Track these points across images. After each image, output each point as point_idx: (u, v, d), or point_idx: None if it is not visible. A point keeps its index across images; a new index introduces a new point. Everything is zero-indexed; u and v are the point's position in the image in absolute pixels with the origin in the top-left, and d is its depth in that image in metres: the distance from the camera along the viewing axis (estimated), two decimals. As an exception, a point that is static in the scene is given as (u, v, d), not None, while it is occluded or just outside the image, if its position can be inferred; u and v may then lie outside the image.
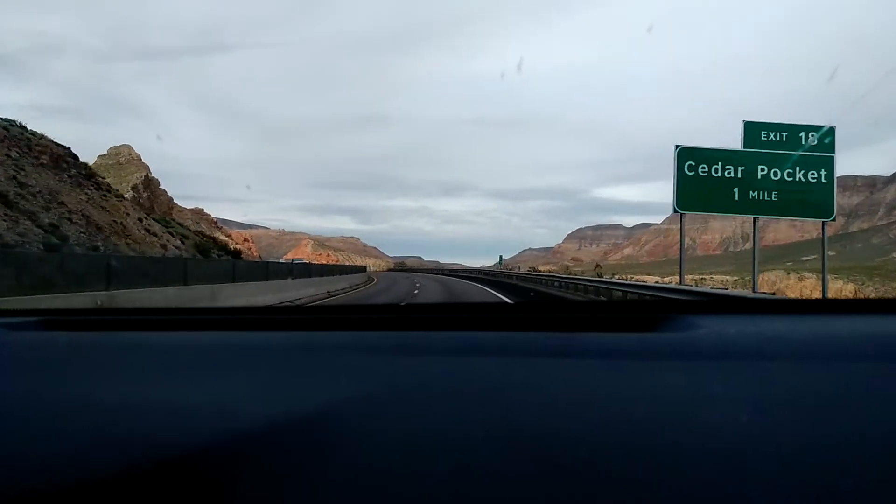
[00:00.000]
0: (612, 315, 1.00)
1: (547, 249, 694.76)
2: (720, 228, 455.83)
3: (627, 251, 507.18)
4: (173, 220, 53.32)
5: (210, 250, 43.49)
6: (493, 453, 0.52)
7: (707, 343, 0.78)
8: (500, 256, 57.38)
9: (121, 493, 0.51)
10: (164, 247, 36.29)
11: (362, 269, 57.97)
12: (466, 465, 0.50)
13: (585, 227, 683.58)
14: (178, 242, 40.75)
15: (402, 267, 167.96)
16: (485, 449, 0.53)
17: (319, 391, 0.69)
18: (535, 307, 1.10)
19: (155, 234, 37.80)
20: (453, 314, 1.13)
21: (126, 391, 0.74)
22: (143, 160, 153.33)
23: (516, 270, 43.36)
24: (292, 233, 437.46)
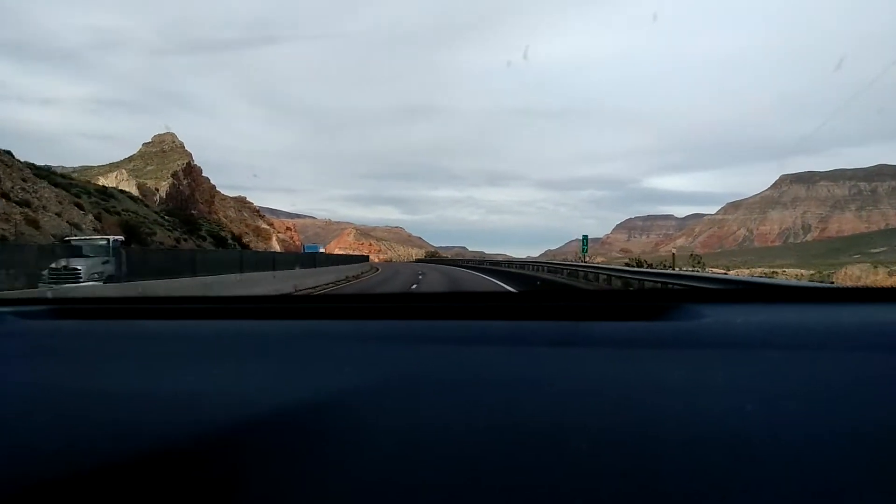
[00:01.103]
0: (618, 304, 1.00)
1: (595, 240, 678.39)
2: (779, 219, 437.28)
3: (680, 242, 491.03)
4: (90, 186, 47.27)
5: (141, 230, 37.21)
6: (498, 443, 0.52)
7: (713, 332, 0.78)
8: (585, 238, 33.83)
9: (130, 480, 0.52)
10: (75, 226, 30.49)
11: (365, 258, 63.28)
12: (472, 455, 0.50)
13: (635, 218, 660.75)
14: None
15: (432, 257, 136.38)
16: (490, 438, 0.53)
17: (324, 380, 0.69)
18: (540, 296, 1.10)
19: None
20: (457, 303, 1.13)
21: (134, 379, 0.75)
22: (186, 148, 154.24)
23: (586, 262, 29.93)
24: (338, 222, 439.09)
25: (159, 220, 44.98)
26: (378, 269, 48.05)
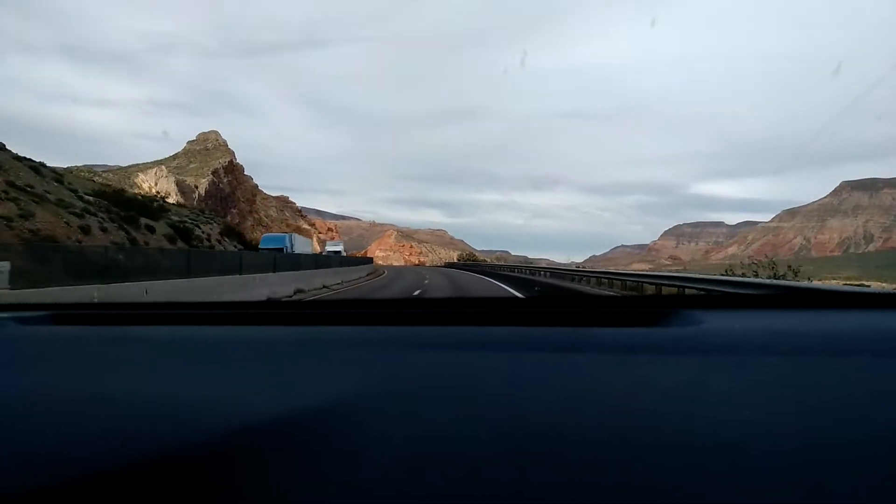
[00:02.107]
0: (618, 309, 1.00)
1: (641, 247, 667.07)
2: (839, 228, 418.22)
3: (732, 250, 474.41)
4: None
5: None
6: (500, 449, 0.52)
7: (712, 338, 0.78)
8: None
9: (127, 487, 0.52)
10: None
11: (369, 260, 63.66)
12: (474, 462, 0.50)
13: (684, 224, 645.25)
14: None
15: (469, 260, 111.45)
16: (491, 445, 0.53)
17: (324, 387, 0.69)
18: (540, 302, 1.09)
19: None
20: (459, 309, 1.13)
21: (133, 386, 0.75)
22: (228, 146, 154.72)
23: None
24: (381, 224, 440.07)
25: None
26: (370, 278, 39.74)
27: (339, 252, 47.26)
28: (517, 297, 1.09)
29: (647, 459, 0.49)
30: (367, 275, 40.14)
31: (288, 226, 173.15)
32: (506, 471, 0.49)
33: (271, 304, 2.31)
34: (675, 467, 0.48)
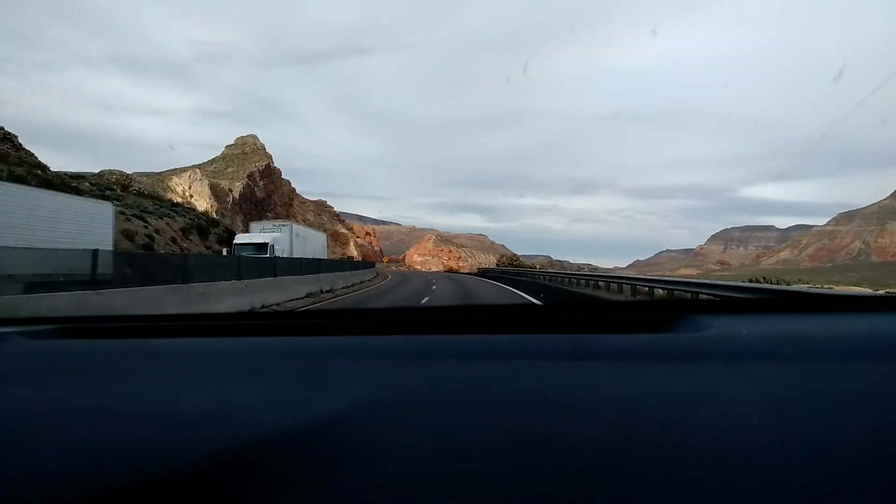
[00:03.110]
0: (623, 316, 0.99)
1: (687, 251, 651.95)
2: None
3: (784, 255, 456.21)
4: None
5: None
6: (506, 458, 0.52)
7: (717, 344, 0.77)
8: None
9: (134, 501, 0.51)
10: None
11: (371, 264, 57.73)
12: (480, 471, 0.50)
13: (732, 228, 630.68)
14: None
15: (510, 264, 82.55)
16: (498, 455, 0.52)
17: (330, 398, 0.69)
18: (544, 309, 1.09)
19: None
20: (462, 317, 1.12)
21: (140, 399, 0.75)
22: (266, 150, 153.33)
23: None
24: (421, 229, 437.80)
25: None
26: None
27: (268, 250, 25.38)
28: (522, 305, 1.27)
29: (655, 467, 0.48)
30: (353, 285, 29.32)
31: (325, 230, 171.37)
32: (513, 480, 0.49)
33: (276, 314, 2.28)
34: (683, 474, 0.47)
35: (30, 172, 31.30)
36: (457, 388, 0.69)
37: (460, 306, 1.16)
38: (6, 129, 43.28)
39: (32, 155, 46.26)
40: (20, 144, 44.36)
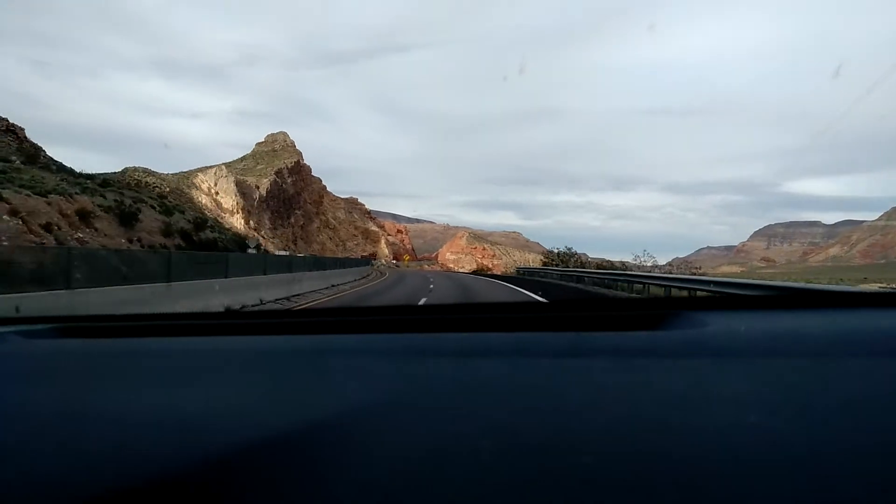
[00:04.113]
0: (621, 313, 0.99)
1: (728, 248, 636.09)
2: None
3: (833, 251, 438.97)
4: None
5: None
6: (504, 456, 0.52)
7: (716, 341, 0.77)
8: None
9: (133, 501, 0.51)
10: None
11: (367, 261, 55.75)
12: (478, 469, 0.50)
13: (776, 224, 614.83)
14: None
15: (566, 268, 41.36)
16: (496, 452, 0.52)
17: (329, 395, 0.69)
18: (542, 307, 1.10)
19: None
20: (460, 315, 1.12)
21: (138, 398, 0.75)
22: (296, 147, 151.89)
23: None
24: (455, 227, 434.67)
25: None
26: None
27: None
28: (521, 302, 1.26)
29: (654, 464, 0.48)
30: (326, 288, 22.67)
31: (356, 228, 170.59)
32: (513, 478, 0.49)
33: (275, 313, 2.30)
34: (681, 472, 0.47)
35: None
36: (456, 386, 0.70)
37: (459, 304, 1.09)
38: (9, 120, 41.75)
39: (41, 148, 44.64)
40: (25, 137, 42.75)
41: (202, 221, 48.08)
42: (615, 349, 0.76)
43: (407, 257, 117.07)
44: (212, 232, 46.30)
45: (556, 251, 48.21)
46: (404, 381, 0.73)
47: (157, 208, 42.77)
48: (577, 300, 1.24)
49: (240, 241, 46.11)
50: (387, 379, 0.73)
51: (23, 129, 43.18)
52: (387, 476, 0.51)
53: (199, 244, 40.43)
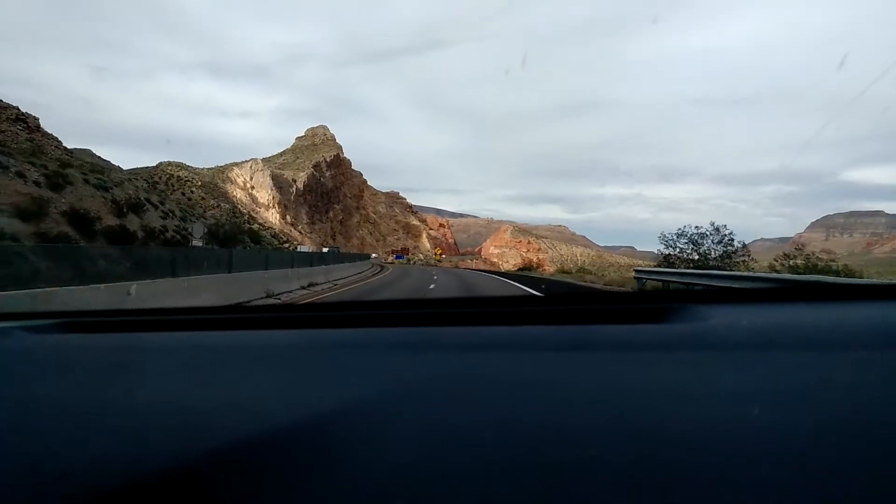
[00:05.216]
0: (623, 306, 0.99)
1: (784, 240, 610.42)
2: None
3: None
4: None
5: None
6: (506, 449, 0.52)
7: (718, 334, 0.77)
8: None
9: (139, 497, 0.51)
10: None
11: (366, 256, 53.08)
12: (480, 462, 0.50)
13: (835, 215, 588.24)
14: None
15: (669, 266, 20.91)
16: (498, 445, 0.52)
17: (333, 389, 0.69)
18: (545, 300, 1.10)
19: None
20: (463, 309, 1.12)
21: (142, 393, 0.75)
22: (336, 141, 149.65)
23: None
24: (499, 221, 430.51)
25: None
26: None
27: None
28: (523, 296, 1.26)
29: (656, 458, 0.48)
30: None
31: (397, 223, 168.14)
32: (515, 471, 0.49)
33: (277, 307, 2.29)
34: (683, 465, 0.47)
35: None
36: (459, 379, 0.70)
37: (462, 298, 1.17)
38: (21, 109, 39.51)
39: (55, 138, 42.48)
40: (37, 126, 40.53)
41: (137, 203, 36.87)
42: (619, 343, 0.76)
43: (439, 251, 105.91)
44: (164, 218, 39.59)
45: (676, 256, 21.53)
46: (407, 375, 0.73)
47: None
48: (578, 293, 1.15)
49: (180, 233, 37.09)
50: (390, 373, 0.73)
51: (37, 119, 40.92)
52: (390, 469, 0.51)
53: (106, 233, 29.97)
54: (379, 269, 44.05)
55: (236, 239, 44.56)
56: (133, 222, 34.89)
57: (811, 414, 0.53)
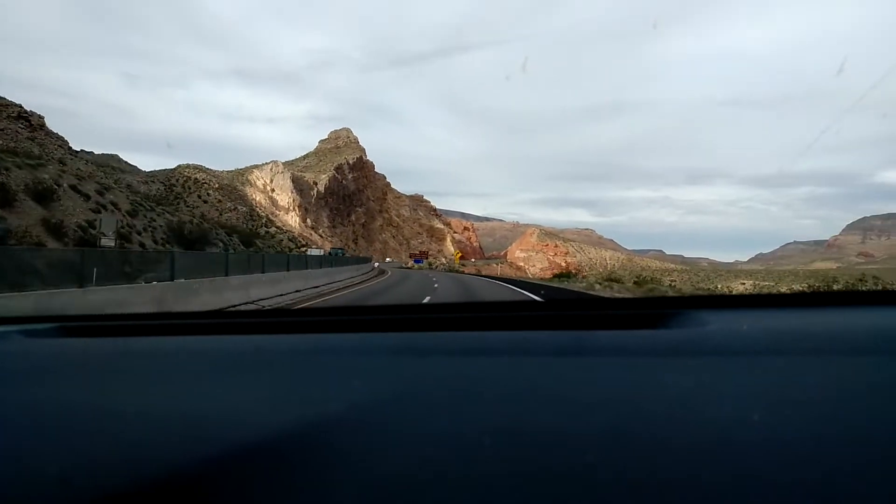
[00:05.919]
0: (622, 312, 0.99)
1: (818, 243, 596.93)
2: None
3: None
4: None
5: None
6: (506, 455, 0.52)
7: (718, 339, 0.77)
8: None
9: (135, 501, 0.51)
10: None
11: (367, 259, 51.67)
12: (479, 467, 0.50)
13: (872, 217, 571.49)
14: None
15: None
16: (497, 450, 0.52)
17: (331, 394, 0.69)
18: (545, 306, 1.10)
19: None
20: (462, 314, 1.12)
21: (140, 397, 0.75)
22: (360, 143, 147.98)
23: None
24: (525, 224, 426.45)
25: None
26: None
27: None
28: (523, 301, 1.25)
29: (656, 464, 0.48)
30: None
31: (421, 226, 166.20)
32: (514, 476, 0.49)
33: (274, 312, 2.38)
34: (683, 471, 0.47)
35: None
36: (457, 384, 0.70)
37: (461, 303, 1.16)
38: (24, 107, 37.81)
39: (60, 137, 40.92)
40: (40, 125, 38.85)
41: (44, 190, 31.34)
42: (617, 348, 0.76)
43: (458, 254, 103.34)
44: (95, 212, 32.56)
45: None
46: (406, 380, 0.73)
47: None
48: (577, 299, 1.15)
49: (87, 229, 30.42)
50: (388, 378, 0.73)
51: (41, 118, 39.28)
52: (389, 475, 0.51)
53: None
54: (378, 274, 41.67)
55: (207, 240, 41.54)
56: (31, 214, 28.36)
57: (810, 420, 0.53)
